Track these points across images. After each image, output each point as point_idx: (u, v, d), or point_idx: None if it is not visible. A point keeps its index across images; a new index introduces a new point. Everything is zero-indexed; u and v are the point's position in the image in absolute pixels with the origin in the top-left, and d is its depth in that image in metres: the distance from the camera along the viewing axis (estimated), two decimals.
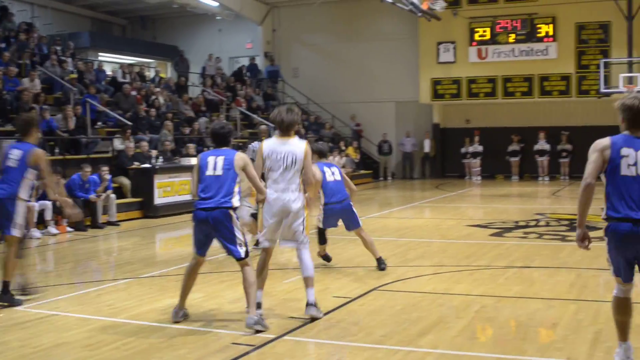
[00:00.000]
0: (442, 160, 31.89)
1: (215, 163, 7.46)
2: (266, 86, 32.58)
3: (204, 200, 7.30)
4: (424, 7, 25.44)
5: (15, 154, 8.59)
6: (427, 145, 31.70)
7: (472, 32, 30.13)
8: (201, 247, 7.50)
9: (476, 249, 12.35)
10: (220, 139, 7.70)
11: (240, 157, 7.48)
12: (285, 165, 7.44)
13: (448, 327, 7.27)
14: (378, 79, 32.16)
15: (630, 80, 25.86)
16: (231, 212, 7.32)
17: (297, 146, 7.51)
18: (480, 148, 30.55)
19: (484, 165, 30.52)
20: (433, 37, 30.61)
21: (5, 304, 8.34)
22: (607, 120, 28.59)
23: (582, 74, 28.94)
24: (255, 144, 13.32)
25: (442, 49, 30.70)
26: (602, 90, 26.80)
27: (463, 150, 30.91)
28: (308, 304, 7.51)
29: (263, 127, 16.02)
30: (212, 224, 7.30)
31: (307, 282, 7.58)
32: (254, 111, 28.97)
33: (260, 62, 33.96)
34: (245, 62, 33.77)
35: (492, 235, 14.16)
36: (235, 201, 7.40)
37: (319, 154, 10.32)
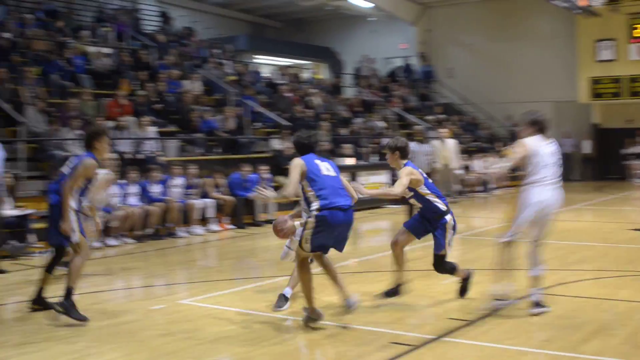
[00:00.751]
0: (602, 161, 30.84)
1: (324, 166, 7.44)
2: (421, 86, 32.47)
3: (336, 200, 7.23)
4: (582, 3, 24.71)
5: (71, 162, 8.24)
6: (586, 146, 30.76)
7: (632, 28, 28.98)
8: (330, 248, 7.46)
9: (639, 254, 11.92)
10: (306, 149, 7.59)
11: None
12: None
13: (613, 334, 7.04)
14: (534, 78, 31.43)
15: None
16: None
17: None
18: None
19: None
20: (591, 35, 29.60)
21: (61, 310, 7.82)
22: None
23: None
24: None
25: (601, 47, 29.65)
26: None
27: (624, 151, 29.77)
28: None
29: (418, 127, 15.99)
30: (347, 223, 7.37)
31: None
32: (410, 112, 28.94)
33: (414, 62, 33.88)
34: (399, 62, 33.78)
35: None
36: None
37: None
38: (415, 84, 32.54)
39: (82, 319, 7.71)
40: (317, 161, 7.41)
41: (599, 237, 14.26)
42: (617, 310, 8.04)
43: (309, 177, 7.22)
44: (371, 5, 30.82)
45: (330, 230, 7.22)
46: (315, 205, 7.19)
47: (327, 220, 7.15)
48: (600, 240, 13.71)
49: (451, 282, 8.94)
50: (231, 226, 16.37)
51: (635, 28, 28.88)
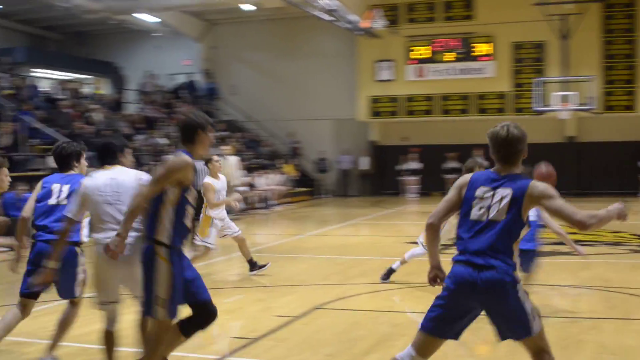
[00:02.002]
0: (379, 177, 32.04)
1: (59, 190, 6.49)
2: (204, 103, 32.39)
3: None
4: (364, 25, 25.65)
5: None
6: (364, 163, 31.86)
7: (410, 50, 30.43)
8: None
9: (417, 266, 12.32)
10: (62, 160, 6.68)
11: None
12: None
13: (393, 345, 7.25)
14: (316, 96, 32.24)
15: (564, 99, 26.41)
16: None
17: None
18: (417, 165, 30.76)
19: (421, 182, 30.73)
20: (371, 55, 30.83)
21: None
22: (542, 138, 29.46)
23: (518, 92, 29.45)
24: None
25: (380, 67, 30.93)
26: (537, 108, 27.34)
27: (400, 167, 31.09)
28: None
29: None
30: None
31: None
32: None
33: (198, 79, 33.77)
34: (183, 79, 33.56)
35: None
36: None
37: None
38: (199, 100, 32.42)
39: None
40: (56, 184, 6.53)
41: (377, 250, 14.74)
42: (396, 322, 8.30)
43: None
44: (157, 20, 30.43)
45: None
46: None
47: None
48: (378, 254, 14.16)
49: (234, 300, 8.90)
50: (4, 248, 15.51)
51: (412, 50, 30.31)
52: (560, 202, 4.67)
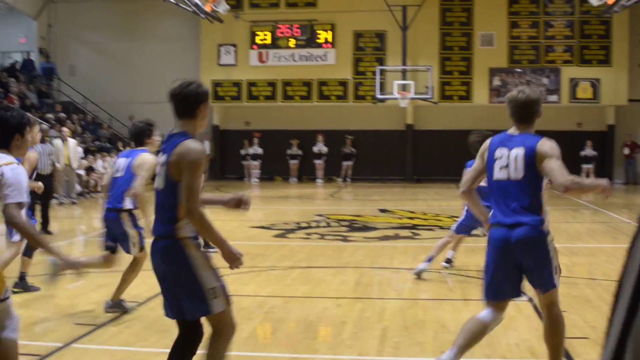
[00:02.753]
0: (221, 162, 31.92)
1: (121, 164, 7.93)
2: (41, 83, 31.21)
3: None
4: (207, 8, 25.40)
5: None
6: (206, 147, 31.64)
7: (253, 35, 30.42)
8: None
9: (261, 250, 12.45)
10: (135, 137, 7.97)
11: None
12: None
13: (239, 329, 7.21)
14: (159, 79, 31.49)
15: (403, 87, 27.12)
16: None
17: None
18: (259, 150, 30.85)
19: (263, 167, 30.86)
20: (215, 39, 30.63)
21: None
22: (383, 125, 30.22)
23: (359, 80, 30.01)
24: None
25: (223, 52, 30.76)
26: (377, 96, 27.96)
27: (242, 152, 31.09)
28: None
29: (43, 126, 15.30)
30: None
31: None
32: (28, 109, 27.66)
33: (34, 58, 32.47)
34: (18, 57, 32.19)
35: (275, 236, 14.32)
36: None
37: None
38: (35, 80, 31.21)
39: None
40: None
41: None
42: (242, 306, 8.27)
43: None
44: None
45: None
46: None
47: None
48: None
49: (77, 287, 8.66)
50: None
51: (256, 35, 30.29)
52: (555, 164, 5.01)
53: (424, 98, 27.96)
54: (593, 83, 29.74)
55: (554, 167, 5.00)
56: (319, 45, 30.13)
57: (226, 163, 31.91)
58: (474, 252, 12.01)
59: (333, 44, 30.08)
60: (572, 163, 29.42)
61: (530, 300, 8.39)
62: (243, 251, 11.68)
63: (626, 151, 29.77)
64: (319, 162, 30.49)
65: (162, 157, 4.67)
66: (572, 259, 11.39)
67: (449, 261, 10.45)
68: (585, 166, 29.44)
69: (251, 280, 9.76)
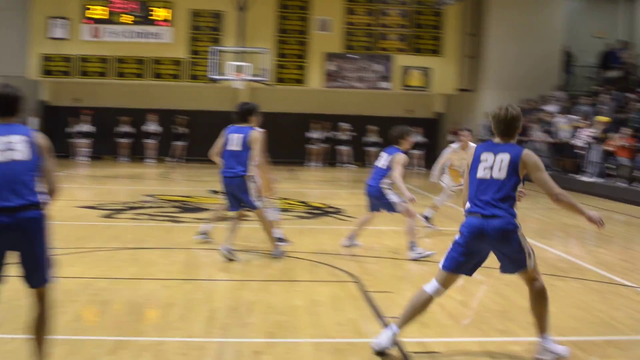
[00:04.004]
0: (49, 139, 30.65)
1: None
2: None
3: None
4: None
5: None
6: (33, 124, 30.39)
7: (86, 9, 29.42)
8: None
9: (88, 231, 12.10)
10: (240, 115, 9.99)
11: None
12: None
13: (64, 311, 6.97)
14: None
15: (239, 69, 27.02)
16: None
17: None
18: (89, 128, 29.97)
19: (94, 145, 30.01)
20: (45, 11, 29.36)
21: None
22: (216, 106, 29.96)
23: (194, 59, 29.66)
24: None
25: (54, 24, 29.57)
26: (212, 76, 27.74)
27: (71, 129, 30.11)
28: None
29: None
30: None
31: None
32: None
33: None
34: None
35: (102, 216, 13.91)
36: None
37: None
38: None
39: None
40: None
41: None
42: (67, 288, 7.97)
43: None
44: None
45: None
46: None
47: None
48: None
49: None
50: None
51: (88, 9, 29.32)
52: (546, 176, 5.85)
53: (260, 80, 27.96)
54: (424, 72, 30.66)
55: (547, 178, 5.84)
56: (154, 23, 29.51)
57: (54, 141, 30.55)
58: (303, 234, 12.15)
59: (170, 23, 29.56)
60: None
61: (356, 281, 8.57)
62: (67, 232, 11.42)
63: (452, 138, 30.84)
64: (150, 142, 29.95)
65: None
66: (398, 241, 11.66)
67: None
68: (415, 152, 30.36)
69: (77, 261, 9.45)
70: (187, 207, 15.55)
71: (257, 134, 9.95)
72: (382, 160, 10.37)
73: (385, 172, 10.18)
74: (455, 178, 13.37)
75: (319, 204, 16.71)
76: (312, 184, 23.36)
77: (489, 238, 5.86)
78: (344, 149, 30.62)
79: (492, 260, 9.59)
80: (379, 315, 7.13)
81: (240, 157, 9.78)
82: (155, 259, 9.80)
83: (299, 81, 30.37)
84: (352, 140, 30.63)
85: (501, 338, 6.58)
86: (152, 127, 29.96)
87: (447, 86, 31.01)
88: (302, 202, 16.84)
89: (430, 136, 31.11)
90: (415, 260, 9.96)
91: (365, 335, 6.47)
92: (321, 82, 30.37)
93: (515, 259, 5.96)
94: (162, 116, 30.12)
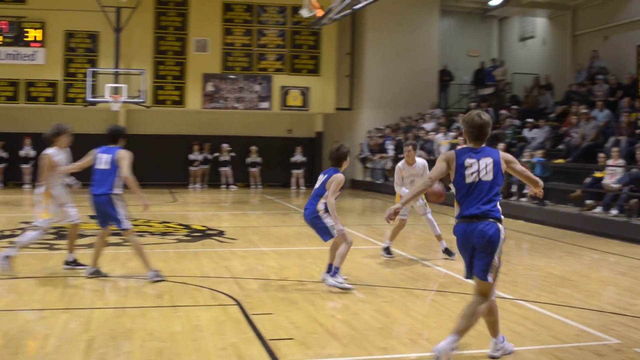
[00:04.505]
0: None
1: None
2: None
3: None
4: None
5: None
6: None
7: None
8: None
9: None
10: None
11: None
12: None
13: None
14: None
15: (116, 91, 26.58)
16: None
17: None
18: None
19: None
20: None
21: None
22: (93, 129, 29.28)
23: (70, 81, 29.00)
24: None
25: None
26: (89, 98, 27.19)
27: None
28: None
29: None
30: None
31: None
32: None
33: None
34: None
35: None
36: None
37: None
38: None
39: None
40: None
41: None
42: None
43: None
44: None
45: None
46: None
47: None
48: None
49: None
50: None
51: None
52: (521, 166, 6.66)
53: (137, 102, 27.59)
54: (303, 91, 30.89)
55: (524, 169, 6.68)
56: (28, 44, 28.73)
57: None
58: (185, 258, 12.02)
59: (43, 43, 28.82)
60: (283, 168, 30.51)
61: (238, 304, 8.53)
62: None
63: None
64: (26, 167, 29.05)
65: None
66: (281, 262, 11.71)
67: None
68: (295, 171, 30.55)
69: None
70: (64, 233, 15.12)
71: (124, 152, 10.15)
72: (319, 182, 9.73)
73: (322, 193, 9.58)
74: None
75: (201, 226, 16.56)
76: (194, 206, 23.15)
77: (474, 239, 6.31)
78: (225, 170, 30.46)
79: (374, 278, 9.71)
80: (260, 337, 7.10)
81: (108, 176, 10.07)
82: (31, 288, 9.49)
83: (178, 102, 30.10)
84: (233, 161, 30.51)
85: (382, 356, 6.64)
86: (27, 151, 29.08)
87: (326, 105, 31.35)
88: (184, 225, 16.65)
89: (311, 155, 31.34)
90: (331, 286, 9.45)
91: (247, 359, 6.43)
92: (200, 103, 30.21)
93: (486, 267, 6.34)
94: (37, 140, 29.29)
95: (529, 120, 23.40)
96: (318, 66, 31.16)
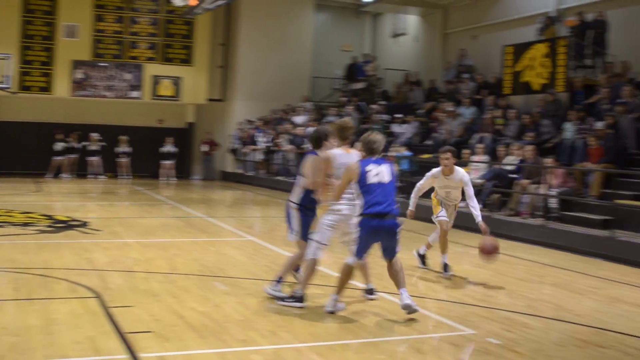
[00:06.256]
0: None
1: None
2: None
3: None
4: None
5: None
6: None
7: None
8: None
9: None
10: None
11: None
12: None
13: None
14: None
15: None
16: None
17: None
18: None
19: None
20: None
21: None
22: None
23: None
24: None
25: None
26: None
27: None
28: None
29: None
30: None
31: None
32: None
33: None
34: None
35: None
36: None
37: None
38: None
39: None
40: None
41: None
42: None
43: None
44: None
45: None
46: None
47: None
48: None
49: None
50: None
51: None
52: None
53: (2, 88, 26.62)
54: (175, 81, 30.51)
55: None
56: None
57: None
58: (45, 249, 11.68)
59: None
60: (154, 159, 30.06)
61: (98, 296, 8.35)
62: None
63: (205, 148, 30.96)
64: None
65: None
66: (145, 254, 11.53)
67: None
68: (165, 162, 30.13)
69: None
70: None
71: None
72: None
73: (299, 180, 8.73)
74: (435, 207, 11.06)
75: (64, 217, 16.12)
76: (59, 196, 22.49)
77: (383, 233, 7.84)
78: (94, 159, 29.73)
79: (238, 270, 9.67)
80: (118, 330, 6.97)
81: None
82: None
83: (45, 89, 29.19)
84: (102, 151, 29.82)
85: (242, 348, 6.62)
86: None
87: (198, 96, 31.08)
88: (47, 216, 16.16)
89: (182, 146, 31.00)
90: (269, 295, 8.56)
91: (103, 353, 6.30)
92: (69, 90, 29.38)
93: (394, 248, 8.01)
94: None
95: (398, 115, 23.86)
96: (191, 56, 30.84)
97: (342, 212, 8.16)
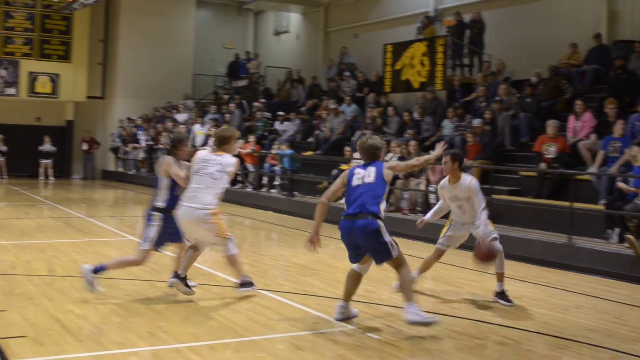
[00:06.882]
0: None
1: None
2: None
3: None
4: None
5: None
6: None
7: None
8: None
9: None
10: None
11: None
12: None
13: None
14: None
15: None
16: None
17: None
18: None
19: None
20: None
21: None
22: None
23: None
24: None
25: None
26: None
27: None
28: None
29: None
30: None
31: None
32: None
33: None
34: None
35: None
36: None
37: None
38: None
39: None
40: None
41: None
42: None
43: None
44: None
45: None
46: None
47: None
48: None
49: None
50: None
51: None
52: (403, 165, 8.67)
53: None
54: (52, 78, 29.76)
55: (404, 165, 8.72)
56: None
57: None
58: None
59: None
60: (31, 158, 29.22)
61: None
62: None
63: (85, 147, 30.32)
64: None
65: None
66: (20, 256, 11.20)
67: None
68: (43, 161, 29.33)
69: None
70: None
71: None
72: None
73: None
74: (444, 227, 9.95)
75: None
76: None
77: (357, 234, 7.50)
78: None
79: (119, 271, 9.50)
80: None
81: None
82: None
83: None
84: None
85: (120, 350, 6.50)
86: None
87: (77, 93, 30.42)
88: None
89: (61, 144, 30.26)
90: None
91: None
92: None
93: (381, 252, 7.48)
94: None
95: (281, 113, 23.92)
96: (69, 52, 30.15)
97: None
